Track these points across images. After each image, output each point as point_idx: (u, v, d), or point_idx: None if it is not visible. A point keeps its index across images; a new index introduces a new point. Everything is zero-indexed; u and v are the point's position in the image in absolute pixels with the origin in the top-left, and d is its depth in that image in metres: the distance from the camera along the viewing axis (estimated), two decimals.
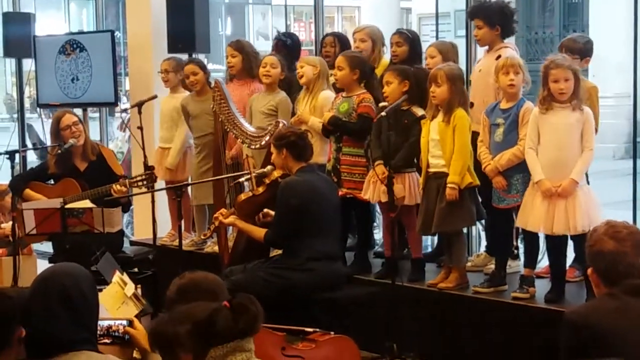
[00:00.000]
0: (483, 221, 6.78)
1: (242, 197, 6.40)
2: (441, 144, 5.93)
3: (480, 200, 6.12)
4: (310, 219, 5.81)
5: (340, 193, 6.34)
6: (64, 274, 3.41)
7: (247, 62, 7.34)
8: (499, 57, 6.10)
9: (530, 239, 5.86)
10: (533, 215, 5.59)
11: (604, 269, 3.26)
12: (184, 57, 8.17)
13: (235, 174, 6.80)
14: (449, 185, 5.84)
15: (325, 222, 5.88)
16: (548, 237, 5.75)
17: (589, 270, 3.35)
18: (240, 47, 7.44)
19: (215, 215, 6.42)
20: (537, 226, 5.62)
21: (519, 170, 5.76)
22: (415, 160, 6.24)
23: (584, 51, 6.05)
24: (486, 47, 6.42)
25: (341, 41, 7.45)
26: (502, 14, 6.32)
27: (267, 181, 6.27)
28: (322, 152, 6.72)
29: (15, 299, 3.33)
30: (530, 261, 5.88)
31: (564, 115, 5.53)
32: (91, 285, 3.46)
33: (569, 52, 5.99)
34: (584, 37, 6.35)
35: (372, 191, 6.31)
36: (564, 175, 5.48)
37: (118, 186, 6.63)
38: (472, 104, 6.21)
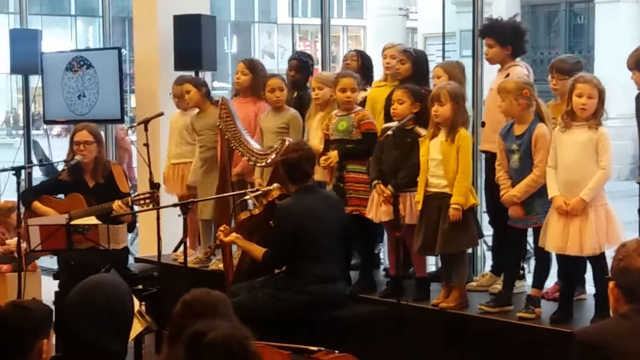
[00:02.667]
0: (489, 241, 6.78)
1: (242, 216, 6.44)
2: (444, 164, 5.91)
3: (489, 219, 6.10)
4: (305, 243, 5.84)
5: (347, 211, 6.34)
6: (108, 286, 3.43)
7: (255, 83, 7.34)
8: (507, 75, 6.09)
9: (543, 259, 5.84)
10: (550, 234, 5.55)
11: (630, 286, 3.22)
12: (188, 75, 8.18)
13: (238, 192, 6.80)
14: (452, 206, 5.82)
15: (321, 244, 5.88)
16: (561, 257, 5.67)
17: (611, 284, 3.29)
18: (253, 67, 7.45)
19: (217, 233, 6.42)
20: (554, 246, 5.55)
21: (539, 195, 5.68)
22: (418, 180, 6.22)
23: (573, 71, 5.90)
24: (498, 66, 6.40)
25: (362, 57, 7.48)
26: (515, 33, 6.29)
27: (264, 201, 6.29)
28: None
29: (35, 311, 3.33)
30: (539, 282, 5.85)
31: (577, 134, 5.47)
32: (131, 300, 3.49)
33: (559, 73, 5.95)
34: (574, 58, 6.29)
35: (375, 211, 6.31)
36: (577, 195, 5.41)
37: (119, 203, 6.65)
38: (483, 123, 6.18)
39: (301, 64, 7.66)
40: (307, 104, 7.30)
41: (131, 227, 7.25)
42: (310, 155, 6.08)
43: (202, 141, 7.53)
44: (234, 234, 6.24)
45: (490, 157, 6.15)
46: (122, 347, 3.41)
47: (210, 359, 2.83)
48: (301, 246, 5.83)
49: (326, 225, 5.93)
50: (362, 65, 7.33)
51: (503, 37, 6.25)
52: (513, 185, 5.74)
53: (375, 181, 6.20)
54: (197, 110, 7.65)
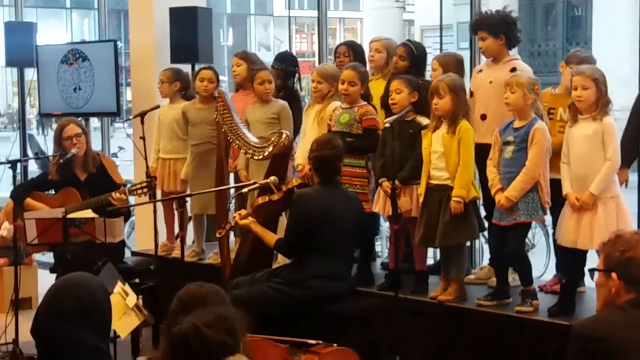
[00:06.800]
0: (486, 234, 6.76)
1: (260, 201, 6.38)
2: (446, 157, 5.89)
3: (485, 213, 6.10)
4: (316, 238, 5.79)
5: None
6: (78, 285, 3.39)
7: (251, 72, 7.29)
8: (513, 69, 6.06)
9: (521, 260, 5.79)
10: (564, 229, 5.55)
11: (636, 277, 3.20)
12: (184, 68, 8.12)
13: (235, 185, 6.76)
14: (454, 199, 5.80)
15: (331, 242, 5.83)
16: (564, 250, 5.66)
17: (613, 276, 3.28)
18: (246, 57, 7.44)
19: (234, 214, 6.36)
20: (568, 241, 5.54)
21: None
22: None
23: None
24: (490, 58, 6.37)
25: (355, 51, 7.41)
26: (505, 22, 6.26)
27: (284, 188, 6.25)
28: None
29: None
30: (527, 280, 5.77)
31: (583, 127, 5.47)
32: (106, 297, 3.47)
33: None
34: (592, 58, 6.26)
35: (383, 205, 6.29)
36: (587, 189, 5.42)
37: (118, 194, 6.61)
38: (484, 116, 6.14)
39: (282, 73, 7.55)
40: (299, 96, 7.32)
41: (126, 217, 7.21)
42: (341, 153, 5.99)
43: (195, 134, 7.36)
44: (250, 218, 6.18)
45: (483, 150, 6.08)
46: (104, 344, 3.38)
47: (172, 351, 2.90)
48: (311, 238, 5.79)
49: (340, 223, 5.85)
50: (355, 59, 7.21)
51: (494, 28, 6.22)
52: (501, 177, 5.71)
53: (381, 180, 6.17)
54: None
